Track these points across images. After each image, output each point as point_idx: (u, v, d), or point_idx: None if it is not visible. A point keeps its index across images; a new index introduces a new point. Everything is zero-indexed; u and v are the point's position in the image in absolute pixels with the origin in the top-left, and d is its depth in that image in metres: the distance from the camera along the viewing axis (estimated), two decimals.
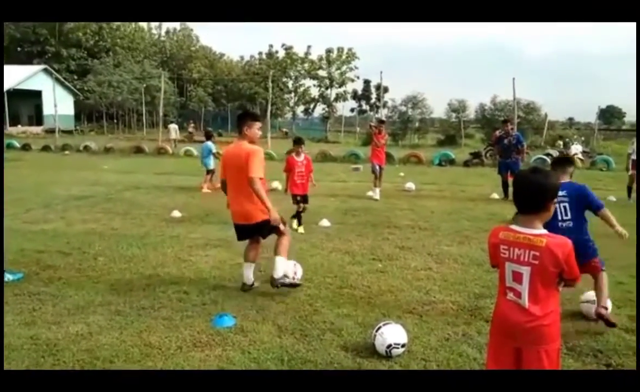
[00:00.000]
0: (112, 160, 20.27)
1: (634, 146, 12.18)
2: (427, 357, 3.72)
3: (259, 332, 4.11)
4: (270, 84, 24.75)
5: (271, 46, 51.66)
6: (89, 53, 47.45)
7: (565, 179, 4.61)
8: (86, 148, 24.31)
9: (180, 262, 6.03)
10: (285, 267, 4.92)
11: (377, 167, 11.48)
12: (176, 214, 8.82)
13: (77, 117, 43.58)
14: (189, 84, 53.43)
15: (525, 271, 2.36)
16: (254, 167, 4.68)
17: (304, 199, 7.96)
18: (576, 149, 24.15)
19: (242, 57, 58.91)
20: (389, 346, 3.62)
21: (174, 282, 5.27)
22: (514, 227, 2.44)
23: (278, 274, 4.86)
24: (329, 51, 48.12)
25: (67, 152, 23.97)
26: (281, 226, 4.93)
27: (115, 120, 45.69)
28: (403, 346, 3.69)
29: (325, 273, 5.65)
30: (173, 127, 27.96)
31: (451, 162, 21.40)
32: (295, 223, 7.74)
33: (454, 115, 38.71)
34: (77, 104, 43.07)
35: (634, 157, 11.97)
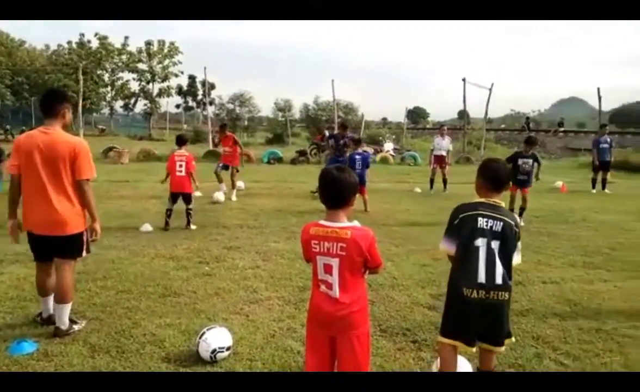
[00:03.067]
0: None
1: (435, 143, 13.94)
2: (252, 356, 3.70)
3: (67, 355, 3.66)
4: (81, 76, 22.36)
5: (82, 35, 46.90)
6: None
7: (360, 150, 10.76)
8: None
9: None
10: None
11: (219, 165, 11.64)
12: None
13: None
14: None
15: (335, 262, 2.50)
16: (86, 167, 3.86)
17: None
18: (388, 146, 26.74)
19: (47, 46, 52.34)
20: (214, 350, 3.52)
21: None
22: (322, 222, 2.56)
23: (65, 323, 3.98)
24: (148, 44, 45.39)
25: None
26: (84, 251, 4.11)
27: None
28: (228, 348, 3.62)
29: (147, 282, 5.29)
30: None
31: (279, 160, 21.97)
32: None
33: (280, 114, 39.79)
34: None
35: (435, 152, 13.69)
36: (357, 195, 9.14)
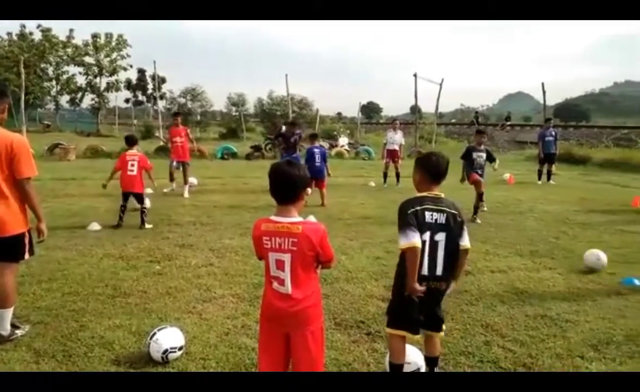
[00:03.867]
0: None
1: (388, 137, 14.12)
2: (205, 355, 3.64)
3: (9, 362, 3.49)
4: (22, 70, 21.24)
5: (23, 27, 44.55)
6: None
7: (317, 144, 11.03)
8: None
9: None
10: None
11: (174, 163, 11.44)
12: None
13: None
14: None
15: (287, 258, 2.48)
16: (28, 165, 3.66)
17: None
18: (343, 141, 26.90)
19: None
20: (165, 351, 3.44)
21: None
22: (273, 218, 2.54)
23: (6, 329, 3.80)
24: (95, 36, 43.62)
25: None
26: (27, 253, 3.87)
27: None
28: (180, 348, 3.55)
29: (95, 283, 5.11)
30: None
31: (234, 155, 21.71)
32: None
33: (234, 109, 39.27)
34: None
35: (388, 147, 13.87)
36: (316, 189, 9.42)
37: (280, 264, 2.50)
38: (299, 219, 2.53)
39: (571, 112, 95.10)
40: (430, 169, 3.03)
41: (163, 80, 44.68)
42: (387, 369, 3.22)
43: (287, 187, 2.52)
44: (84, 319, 4.23)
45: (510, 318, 4.49)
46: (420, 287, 2.89)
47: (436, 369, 3.24)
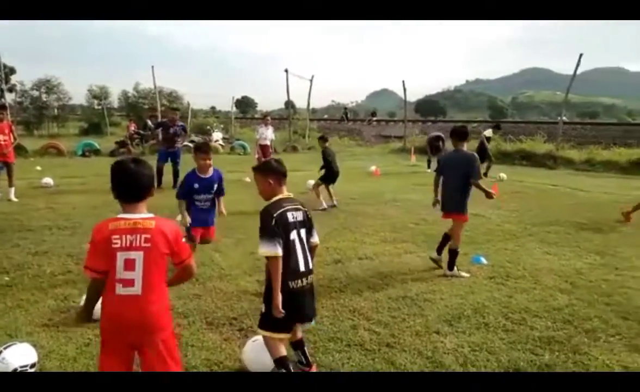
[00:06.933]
0: None
1: (259, 132, 14.18)
2: (63, 369, 3.37)
3: None
4: None
5: None
6: None
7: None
8: None
9: None
10: None
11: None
12: None
13: None
14: None
15: (138, 256, 2.34)
16: None
17: None
18: (217, 136, 26.36)
19: None
20: (14, 370, 3.12)
21: None
22: (122, 215, 2.41)
23: None
24: None
25: None
26: None
27: None
28: (33, 365, 3.25)
29: None
30: None
31: (96, 152, 20.17)
32: None
33: (96, 102, 36.45)
34: None
35: (260, 142, 13.93)
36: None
37: (129, 264, 2.33)
38: (150, 214, 2.43)
39: (430, 108, 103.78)
40: (277, 172, 3.19)
41: (12, 71, 40.01)
42: (271, 368, 3.20)
43: (137, 186, 2.43)
44: None
45: (375, 301, 4.79)
46: (281, 310, 2.93)
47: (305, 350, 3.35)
